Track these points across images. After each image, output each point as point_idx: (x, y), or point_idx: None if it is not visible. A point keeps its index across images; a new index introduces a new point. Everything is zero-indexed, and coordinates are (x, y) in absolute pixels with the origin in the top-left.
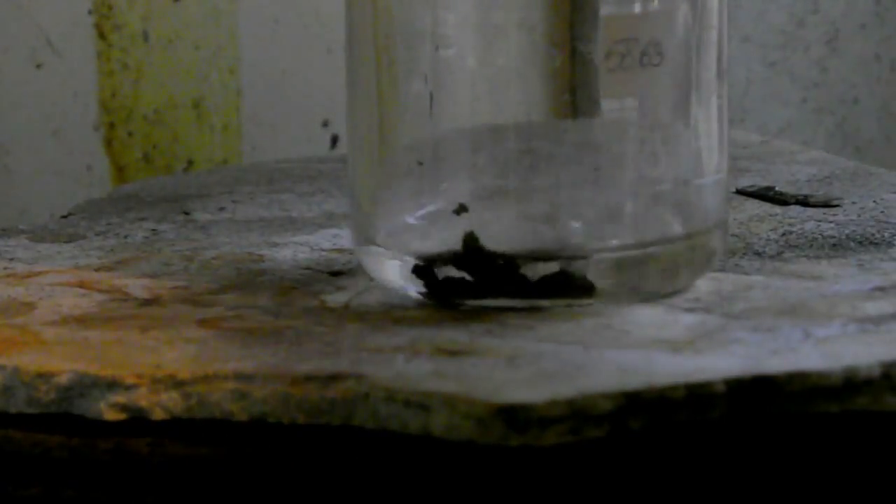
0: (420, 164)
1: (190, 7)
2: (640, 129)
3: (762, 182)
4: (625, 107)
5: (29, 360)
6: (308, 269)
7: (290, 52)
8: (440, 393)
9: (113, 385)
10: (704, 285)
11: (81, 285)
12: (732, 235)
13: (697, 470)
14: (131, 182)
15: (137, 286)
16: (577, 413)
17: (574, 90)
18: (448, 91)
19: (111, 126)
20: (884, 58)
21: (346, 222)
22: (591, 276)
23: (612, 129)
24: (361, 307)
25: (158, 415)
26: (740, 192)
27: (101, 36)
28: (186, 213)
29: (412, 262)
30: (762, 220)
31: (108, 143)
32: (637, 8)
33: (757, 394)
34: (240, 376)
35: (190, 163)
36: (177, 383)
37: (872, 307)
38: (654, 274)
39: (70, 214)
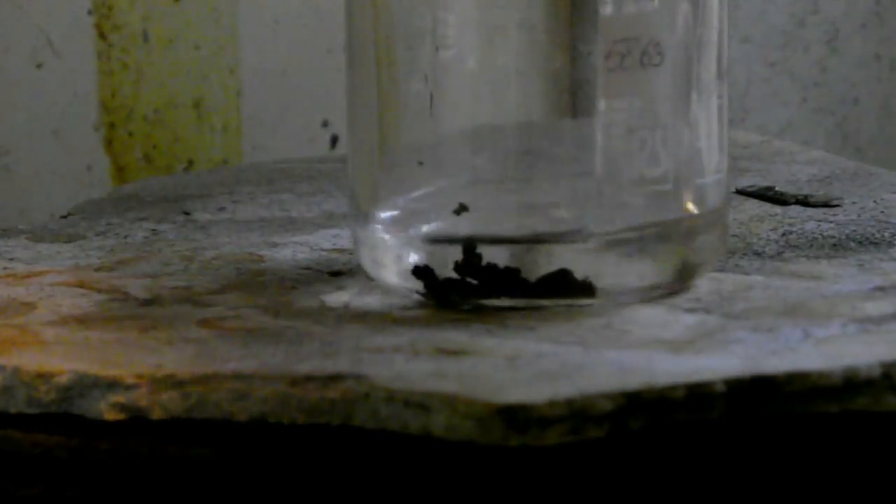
0: (420, 164)
1: (190, 7)
2: (640, 129)
3: (762, 182)
4: (625, 107)
5: (29, 360)
6: (308, 269)
7: (290, 52)
8: (440, 393)
9: (113, 385)
10: (704, 285)
11: (81, 285)
12: (732, 235)
13: (697, 470)
14: (131, 182)
15: (137, 286)
16: (577, 413)
17: (574, 90)
18: (448, 91)
19: (111, 126)
20: (884, 58)
21: (345, 222)
22: (591, 259)
23: (612, 128)
24: (361, 307)
25: (158, 415)
26: (740, 192)
27: (101, 36)
28: (186, 213)
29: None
30: (762, 220)
31: (108, 143)
32: (637, 8)
33: (757, 394)
34: (240, 376)
35: (190, 163)
36: (177, 383)
37: (872, 307)
38: (652, 265)
39: (70, 214)
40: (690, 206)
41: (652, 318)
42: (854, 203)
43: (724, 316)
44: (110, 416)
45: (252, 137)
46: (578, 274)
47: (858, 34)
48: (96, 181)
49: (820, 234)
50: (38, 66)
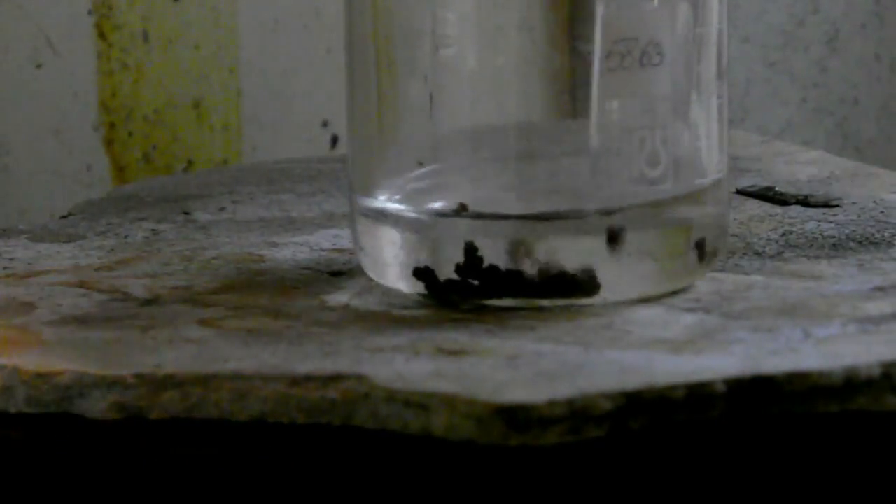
0: (420, 164)
1: (190, 7)
2: (640, 129)
3: (762, 182)
4: (625, 107)
5: (29, 360)
6: (308, 269)
7: (290, 52)
8: (440, 393)
9: (113, 385)
10: (704, 285)
11: (81, 285)
12: (732, 235)
13: (697, 470)
14: (131, 182)
15: (137, 286)
16: (577, 413)
17: (574, 90)
18: (448, 91)
19: (111, 126)
20: (884, 58)
21: (345, 222)
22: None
23: (611, 128)
24: (361, 307)
25: (158, 415)
26: (740, 192)
27: (101, 36)
28: (186, 213)
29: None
30: (762, 220)
31: (108, 143)
32: (637, 8)
33: (757, 394)
34: (240, 376)
35: (190, 163)
36: (177, 383)
37: (872, 307)
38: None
39: (70, 214)
40: (690, 206)
41: (652, 318)
42: (854, 203)
43: (723, 316)
44: (110, 416)
45: (252, 137)
46: (579, 260)
47: (858, 34)
48: (96, 181)
49: (820, 234)
50: (38, 66)
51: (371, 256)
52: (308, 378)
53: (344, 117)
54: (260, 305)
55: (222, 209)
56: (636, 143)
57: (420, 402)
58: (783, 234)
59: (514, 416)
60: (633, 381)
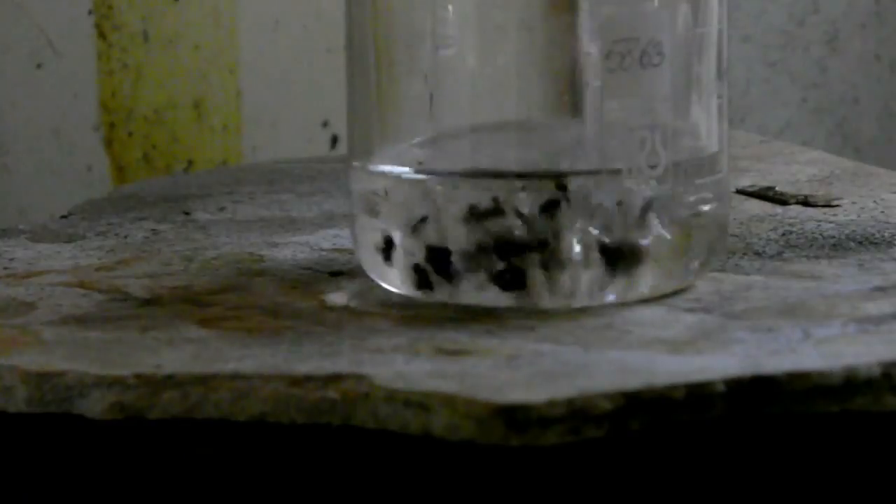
0: (420, 163)
1: (190, 7)
2: (640, 129)
3: (762, 182)
4: (625, 107)
5: (29, 360)
6: (308, 269)
7: (290, 52)
8: (440, 393)
9: (113, 385)
10: (704, 285)
11: (81, 285)
12: (732, 235)
13: (697, 470)
14: (131, 182)
15: (137, 286)
16: (577, 413)
17: (574, 90)
18: (448, 91)
19: (111, 126)
20: (884, 58)
21: (345, 222)
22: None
23: (612, 128)
24: (361, 307)
25: (158, 415)
26: (740, 192)
27: (101, 36)
28: (186, 213)
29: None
30: (762, 220)
31: (108, 143)
32: (637, 8)
33: (757, 394)
34: (240, 376)
35: (190, 163)
36: (177, 383)
37: (872, 307)
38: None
39: (70, 214)
40: (690, 206)
41: (652, 318)
42: (854, 203)
43: (723, 316)
44: (110, 416)
45: (252, 137)
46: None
47: (858, 34)
48: (96, 181)
49: (820, 234)
50: (38, 66)
51: (369, 252)
52: (308, 378)
53: (344, 117)
54: (260, 305)
55: (222, 209)
56: (636, 143)
57: (420, 402)
58: (783, 234)
59: (514, 416)
60: (633, 381)
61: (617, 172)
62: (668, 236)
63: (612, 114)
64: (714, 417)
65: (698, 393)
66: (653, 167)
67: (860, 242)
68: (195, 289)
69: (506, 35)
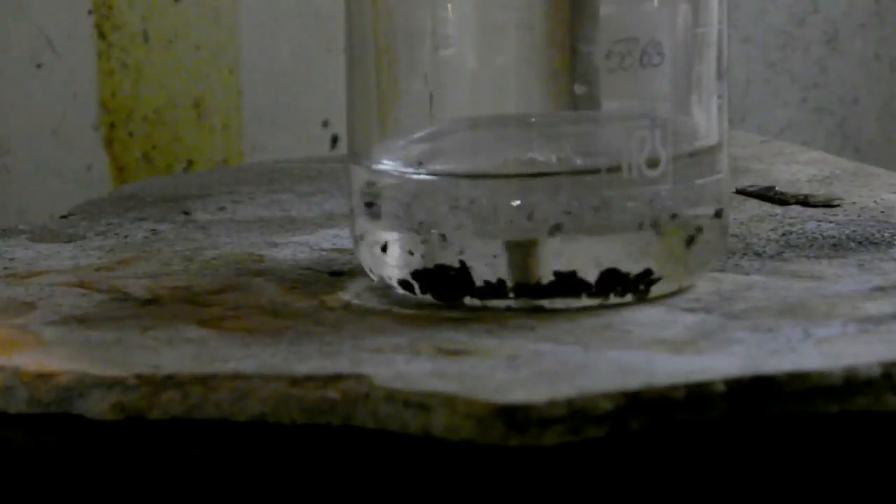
0: (420, 163)
1: (190, 7)
2: (640, 129)
3: (762, 182)
4: (625, 107)
5: (29, 360)
6: (308, 269)
7: (290, 52)
8: (440, 393)
9: (113, 385)
10: (704, 285)
11: (81, 285)
12: (732, 235)
13: (697, 470)
14: (131, 182)
15: (137, 286)
16: (577, 413)
17: (574, 90)
18: (448, 91)
19: (111, 126)
20: (884, 58)
21: (345, 222)
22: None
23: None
24: (361, 307)
25: (158, 415)
26: (740, 192)
27: (101, 36)
28: (186, 213)
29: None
30: (762, 220)
31: (108, 143)
32: (637, 8)
33: (757, 394)
34: (240, 376)
35: (190, 163)
36: (177, 383)
37: (872, 307)
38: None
39: (70, 214)
40: (690, 206)
41: (652, 318)
42: (854, 203)
43: (723, 316)
44: (110, 416)
45: (252, 137)
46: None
47: (858, 34)
48: (96, 181)
49: (820, 234)
50: (38, 66)
51: (371, 252)
52: (308, 378)
53: (344, 117)
54: (260, 305)
55: (222, 209)
56: (636, 143)
57: (420, 402)
58: (783, 234)
59: (514, 416)
60: (633, 381)
61: (617, 172)
62: (668, 236)
63: (612, 114)
64: (714, 417)
65: (698, 393)
66: (653, 167)
67: (860, 242)
68: (195, 289)
69: (506, 35)
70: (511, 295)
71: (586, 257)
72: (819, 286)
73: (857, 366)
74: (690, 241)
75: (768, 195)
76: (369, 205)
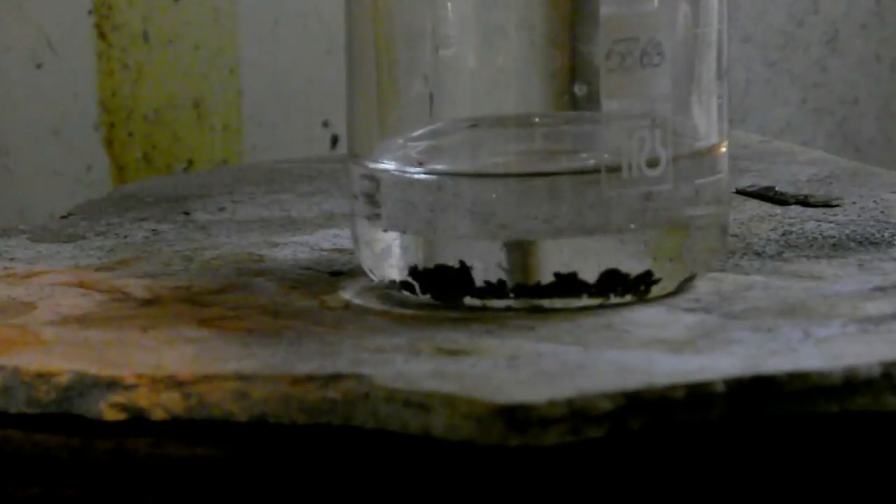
0: (420, 163)
1: (190, 7)
2: (640, 129)
3: (762, 182)
4: (625, 107)
5: (29, 360)
6: (308, 269)
7: (290, 52)
8: (440, 393)
9: (113, 385)
10: (704, 285)
11: (81, 285)
12: (732, 235)
13: (697, 470)
14: (131, 182)
15: (137, 286)
16: (577, 413)
17: (574, 90)
18: (448, 91)
19: (111, 126)
20: (884, 58)
21: (345, 222)
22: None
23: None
24: (361, 307)
25: (158, 415)
26: (740, 192)
27: (101, 36)
28: (186, 213)
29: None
30: (762, 220)
31: (108, 143)
32: (637, 8)
33: (757, 394)
34: (240, 376)
35: (190, 163)
36: (177, 383)
37: (872, 307)
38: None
39: (70, 214)
40: (690, 206)
41: (652, 318)
42: (854, 203)
43: (723, 316)
44: (110, 416)
45: (252, 137)
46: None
47: (858, 34)
48: (96, 181)
49: (820, 234)
50: (38, 66)
51: (371, 251)
52: (308, 378)
53: (344, 117)
54: (260, 305)
55: (222, 209)
56: (636, 143)
57: (420, 402)
58: (783, 234)
59: (514, 416)
60: (633, 381)
61: (617, 172)
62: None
63: (612, 114)
64: (714, 417)
65: (698, 393)
66: (653, 167)
67: (860, 242)
68: (195, 289)
69: (506, 35)
70: (511, 295)
71: (586, 257)
72: (819, 286)
73: (857, 366)
74: (690, 242)
75: (768, 195)
76: (369, 205)
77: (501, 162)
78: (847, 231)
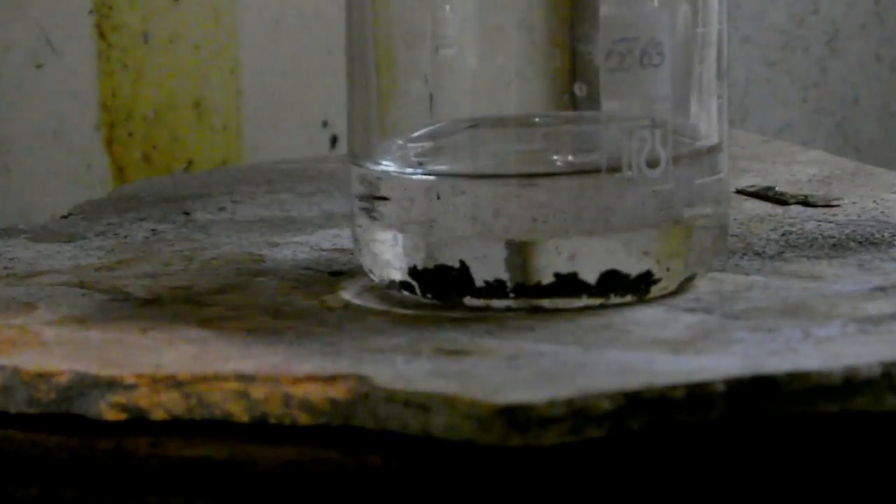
0: (420, 163)
1: (190, 7)
2: (640, 129)
3: (762, 182)
4: (625, 107)
5: (29, 360)
6: (308, 269)
7: (290, 52)
8: (440, 393)
9: (113, 385)
10: (704, 285)
11: (81, 285)
12: (732, 235)
13: (697, 470)
14: (131, 182)
15: (137, 286)
16: (577, 413)
17: (574, 90)
18: (448, 91)
19: (111, 126)
20: (884, 58)
21: (345, 222)
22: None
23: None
24: (361, 307)
25: (158, 415)
26: (740, 192)
27: (101, 36)
28: (186, 213)
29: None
30: (762, 220)
31: (108, 143)
32: (637, 8)
33: (757, 394)
34: (240, 376)
35: (190, 163)
36: (177, 383)
37: (872, 307)
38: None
39: (70, 214)
40: (690, 206)
41: (652, 318)
42: (854, 203)
43: (723, 316)
44: (110, 416)
45: (252, 137)
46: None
47: (858, 34)
48: (96, 181)
49: (820, 234)
50: (38, 66)
51: (371, 251)
52: (308, 378)
53: (344, 117)
54: (260, 305)
55: (222, 209)
56: (636, 143)
57: (420, 403)
58: (783, 234)
59: (514, 416)
60: (633, 381)
61: (617, 172)
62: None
63: (612, 114)
64: (714, 417)
65: (698, 393)
66: (653, 167)
67: (860, 242)
68: (195, 289)
69: (506, 35)
70: (511, 295)
71: (586, 257)
72: (819, 286)
73: (857, 366)
74: (690, 242)
75: (768, 195)
76: (369, 205)
77: (501, 162)
78: (847, 231)
